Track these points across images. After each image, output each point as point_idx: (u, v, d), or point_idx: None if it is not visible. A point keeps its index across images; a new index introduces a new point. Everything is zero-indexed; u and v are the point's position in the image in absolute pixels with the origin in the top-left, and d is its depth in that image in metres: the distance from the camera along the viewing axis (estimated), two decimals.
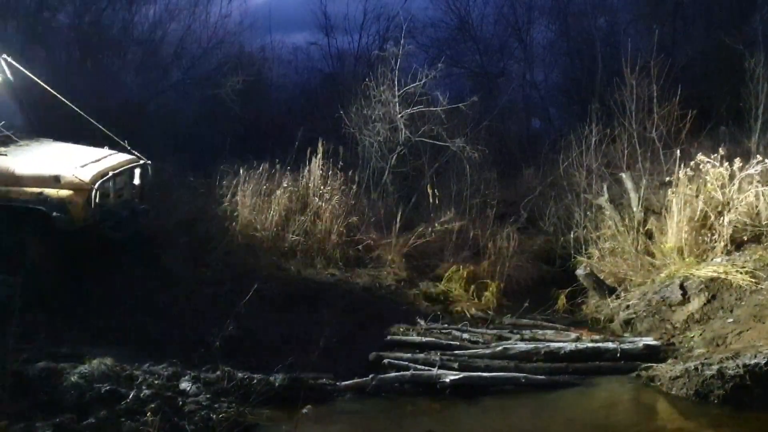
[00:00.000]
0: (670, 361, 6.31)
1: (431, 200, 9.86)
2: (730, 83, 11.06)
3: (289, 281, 7.51)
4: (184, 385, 5.03)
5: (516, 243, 9.54)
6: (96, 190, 6.19)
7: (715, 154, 7.99)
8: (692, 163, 7.96)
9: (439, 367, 5.94)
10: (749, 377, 5.66)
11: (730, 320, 6.78)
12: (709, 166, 7.86)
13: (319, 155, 9.33)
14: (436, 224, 9.57)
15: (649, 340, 6.80)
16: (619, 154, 8.86)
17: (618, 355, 6.51)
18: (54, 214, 5.93)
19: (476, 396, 5.81)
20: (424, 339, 6.66)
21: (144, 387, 4.79)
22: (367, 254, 8.96)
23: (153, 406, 4.42)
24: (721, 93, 11.89)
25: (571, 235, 9.10)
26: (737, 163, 7.79)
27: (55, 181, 6.04)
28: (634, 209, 8.44)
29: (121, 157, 6.85)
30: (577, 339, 6.91)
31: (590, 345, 6.67)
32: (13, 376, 4.32)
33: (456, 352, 6.43)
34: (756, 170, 7.73)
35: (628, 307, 7.67)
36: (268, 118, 14.03)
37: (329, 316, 6.80)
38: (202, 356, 5.19)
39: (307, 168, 9.27)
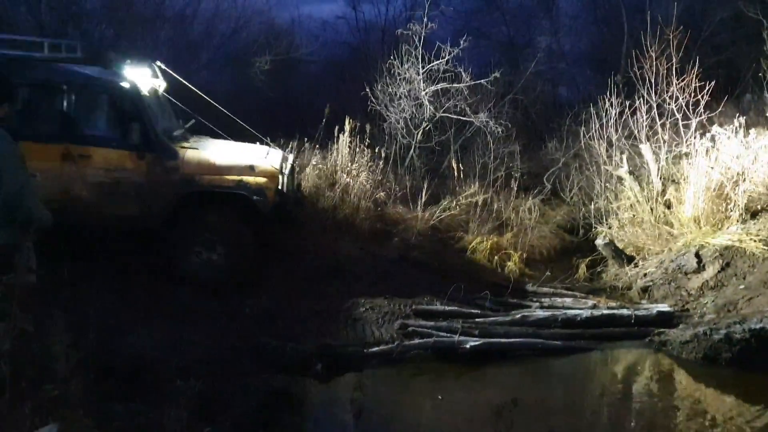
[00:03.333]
0: (681, 326, 6.62)
1: (456, 174, 10.19)
2: (756, 51, 11.03)
3: (319, 255, 7.91)
4: None
5: (539, 214, 9.86)
6: (284, 176, 7.12)
7: (731, 125, 8.14)
8: (708, 135, 8.13)
9: (461, 334, 6.29)
10: (755, 341, 5.97)
11: (742, 287, 7.04)
12: (724, 137, 8.01)
13: (347, 132, 9.69)
14: (461, 197, 9.91)
15: (663, 307, 7.11)
16: (639, 126, 9.02)
17: (632, 321, 6.85)
18: (254, 197, 6.78)
19: (495, 361, 6.21)
20: (447, 308, 6.99)
21: None
22: (394, 228, 9.32)
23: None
24: (748, 60, 11.86)
25: (592, 206, 9.34)
26: (752, 133, 7.94)
27: (250, 169, 6.85)
28: (653, 180, 8.64)
29: (276, 150, 7.68)
30: (594, 306, 7.24)
31: (606, 312, 7.00)
32: None
33: (477, 320, 6.79)
34: None
35: (645, 275, 7.96)
36: (297, 95, 14.39)
37: (358, 288, 7.20)
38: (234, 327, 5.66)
39: (335, 146, 9.63)
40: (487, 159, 10.43)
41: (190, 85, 7.76)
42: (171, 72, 7.65)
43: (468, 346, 6.15)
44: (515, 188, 10.07)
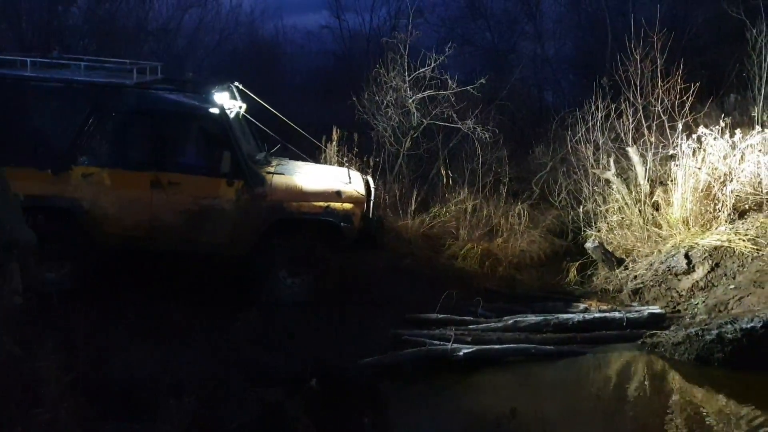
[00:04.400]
0: (673, 328, 6.64)
1: (445, 181, 10.19)
2: (740, 51, 11.13)
3: None
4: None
5: (528, 219, 9.85)
6: (369, 202, 7.12)
7: (717, 126, 8.20)
8: (694, 135, 8.19)
9: (454, 342, 6.27)
10: (746, 340, 6.01)
11: (732, 286, 7.08)
12: (711, 138, 8.07)
13: (334, 142, 9.68)
14: (450, 204, 9.91)
15: (654, 309, 7.14)
16: (625, 129, 9.07)
17: (624, 324, 6.87)
18: (341, 224, 6.79)
19: (489, 367, 6.20)
20: (439, 316, 6.98)
21: None
22: (384, 236, 9.30)
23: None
24: (731, 61, 11.95)
25: (581, 210, 9.37)
26: (738, 133, 8.00)
27: (337, 195, 6.87)
28: (641, 182, 8.68)
29: (355, 172, 7.67)
30: (586, 310, 7.26)
31: (598, 315, 7.02)
32: None
33: (470, 326, 6.79)
34: (756, 140, 7.93)
35: (635, 277, 7.98)
36: (283, 105, 14.35)
37: (348, 298, 7.17)
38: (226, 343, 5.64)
39: (323, 155, 9.60)
40: (476, 165, 10.42)
41: (267, 106, 7.71)
42: (248, 92, 7.58)
43: (461, 353, 6.14)
44: (504, 193, 10.07)
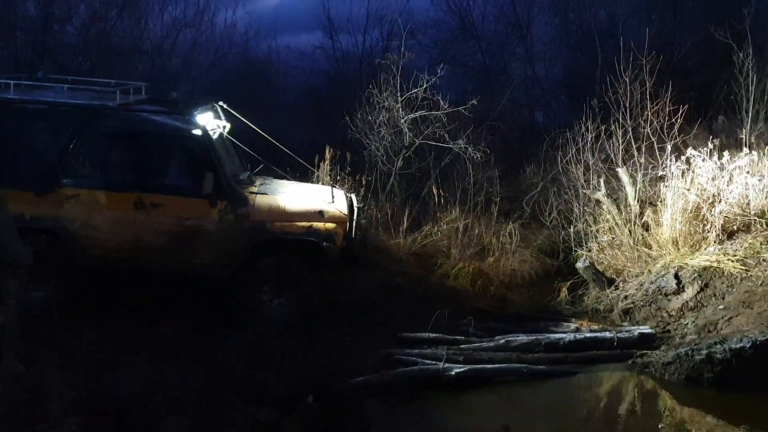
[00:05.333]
0: (663, 348, 6.68)
1: (437, 200, 10.24)
2: (727, 74, 11.30)
3: None
4: None
5: (519, 238, 9.91)
6: (351, 222, 7.11)
7: (706, 147, 8.31)
8: (683, 157, 8.29)
9: (445, 361, 6.28)
10: (736, 360, 6.04)
11: (722, 307, 7.13)
12: (699, 159, 8.17)
13: (327, 161, 9.73)
14: (442, 223, 9.96)
15: (645, 329, 7.18)
16: (615, 150, 9.17)
17: (615, 344, 6.90)
18: (324, 244, 6.80)
19: (481, 387, 6.21)
20: (431, 335, 7.00)
21: None
22: (376, 255, 9.32)
23: None
24: (719, 83, 12.13)
25: (572, 230, 9.43)
26: (726, 155, 8.11)
27: (320, 215, 6.88)
28: (631, 203, 8.76)
29: (339, 191, 7.69)
30: (577, 330, 7.28)
31: (588, 335, 7.05)
32: None
33: (461, 346, 6.81)
34: (744, 162, 8.03)
35: (626, 297, 8.02)
36: (276, 124, 14.42)
37: (341, 317, 7.18)
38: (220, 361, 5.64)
39: (316, 174, 9.65)
40: (467, 184, 10.49)
41: (252, 125, 7.74)
42: (233, 112, 7.62)
43: (453, 373, 6.15)
44: (495, 213, 10.13)
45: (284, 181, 7.83)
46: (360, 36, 16.73)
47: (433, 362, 6.31)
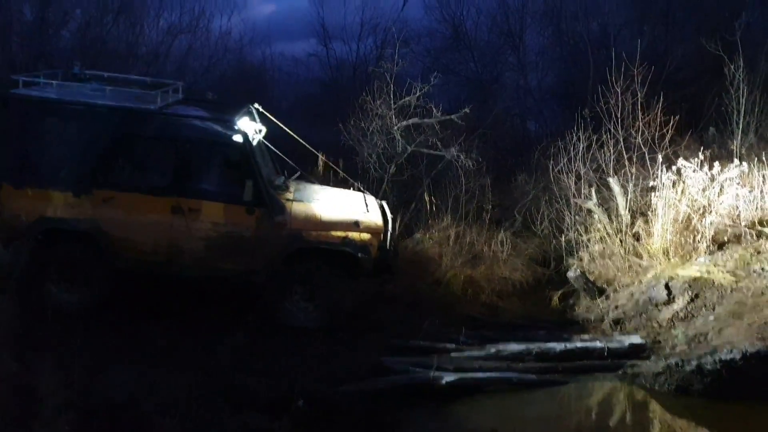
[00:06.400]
0: (653, 358, 6.69)
1: (429, 207, 10.25)
2: (718, 86, 11.38)
3: None
4: None
5: (511, 246, 9.92)
6: (386, 232, 7.13)
7: (697, 158, 8.36)
8: (674, 168, 8.33)
9: (436, 369, 6.28)
10: (726, 371, 6.06)
11: (712, 318, 7.15)
12: (690, 170, 8.21)
13: (320, 167, 9.71)
14: (434, 230, 9.95)
15: (635, 339, 7.18)
16: (606, 160, 9.20)
17: (605, 353, 6.90)
18: (359, 254, 6.79)
19: (471, 395, 6.19)
20: (422, 343, 7.00)
21: None
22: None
23: None
24: (710, 95, 12.20)
25: (563, 239, 9.45)
26: (717, 166, 8.16)
27: (355, 225, 6.88)
28: (622, 213, 8.78)
29: (372, 199, 7.67)
30: (567, 339, 7.28)
31: (579, 345, 7.06)
32: None
33: (452, 354, 6.80)
34: (735, 173, 8.08)
35: (616, 307, 8.04)
36: (269, 130, 14.40)
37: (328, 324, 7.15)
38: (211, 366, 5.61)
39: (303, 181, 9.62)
40: (459, 192, 10.51)
41: (287, 130, 7.73)
42: (268, 114, 7.58)
43: (443, 381, 6.15)
44: (487, 221, 10.14)
45: (316, 186, 7.80)
46: (354, 44, 16.82)
47: (424, 370, 6.30)
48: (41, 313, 5.76)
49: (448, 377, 6.19)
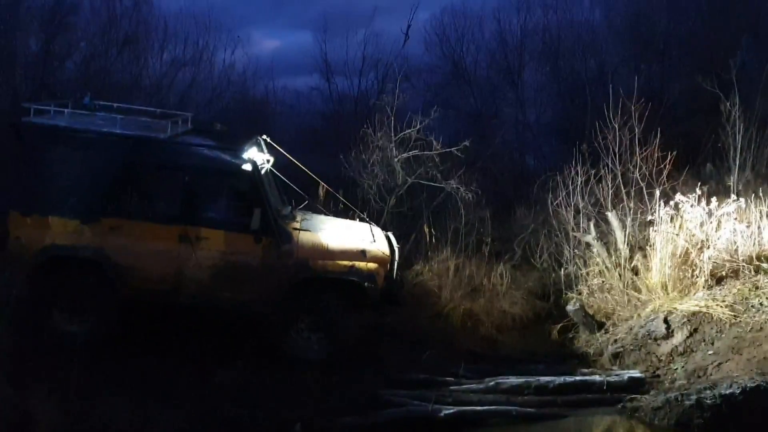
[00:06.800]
0: (652, 392, 6.67)
1: (428, 239, 10.29)
2: (715, 122, 11.51)
3: None
4: None
5: (510, 279, 9.93)
6: (392, 262, 7.14)
7: (694, 193, 8.43)
8: (672, 202, 8.40)
9: (434, 402, 6.26)
10: (725, 406, 6.03)
11: (711, 352, 7.15)
12: (688, 205, 8.28)
13: (321, 198, 9.77)
14: (434, 262, 9.97)
15: (634, 373, 7.16)
16: (605, 194, 9.28)
17: (604, 387, 6.88)
18: (365, 284, 6.80)
19: (470, 429, 6.16)
20: (420, 376, 6.97)
21: None
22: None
23: None
24: (707, 131, 12.32)
25: (562, 272, 9.47)
26: (714, 201, 8.23)
27: (362, 254, 6.89)
28: (620, 247, 8.82)
29: (378, 229, 7.68)
30: (566, 373, 7.26)
31: (578, 379, 7.04)
32: None
33: (451, 387, 6.77)
34: (732, 209, 8.15)
35: (616, 341, 8.03)
36: (274, 162, 14.51)
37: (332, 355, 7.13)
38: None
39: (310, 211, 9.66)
40: (459, 224, 10.56)
41: (295, 161, 7.75)
42: (275, 145, 7.62)
43: (442, 414, 6.12)
44: (486, 253, 10.17)
45: (323, 217, 7.85)
46: (356, 78, 17.08)
47: (422, 403, 6.27)
48: (40, 342, 5.73)
49: (447, 410, 6.17)
